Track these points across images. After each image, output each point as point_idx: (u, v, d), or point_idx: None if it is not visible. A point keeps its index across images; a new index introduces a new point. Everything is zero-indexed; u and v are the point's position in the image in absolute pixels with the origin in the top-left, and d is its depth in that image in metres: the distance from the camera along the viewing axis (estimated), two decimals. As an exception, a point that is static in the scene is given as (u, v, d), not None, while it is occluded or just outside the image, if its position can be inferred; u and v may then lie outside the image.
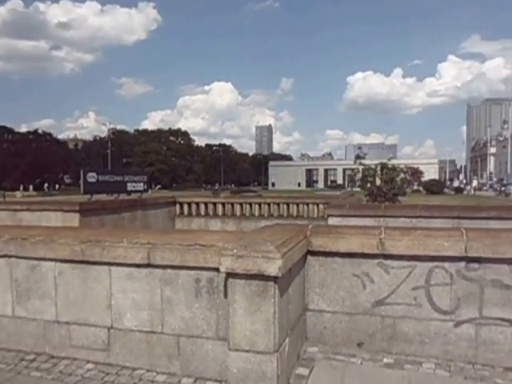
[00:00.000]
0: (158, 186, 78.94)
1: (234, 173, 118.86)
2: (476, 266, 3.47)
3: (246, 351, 2.88)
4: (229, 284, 2.97)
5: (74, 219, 9.15)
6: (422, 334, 3.58)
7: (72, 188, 65.31)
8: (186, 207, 13.86)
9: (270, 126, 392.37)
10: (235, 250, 2.85)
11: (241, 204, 13.94)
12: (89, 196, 12.04)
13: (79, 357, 3.69)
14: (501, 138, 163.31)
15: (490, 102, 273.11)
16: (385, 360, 3.57)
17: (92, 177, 12.11)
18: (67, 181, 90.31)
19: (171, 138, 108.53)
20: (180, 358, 3.44)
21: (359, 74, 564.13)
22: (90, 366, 3.60)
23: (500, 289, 3.43)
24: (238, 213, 13.69)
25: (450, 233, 3.56)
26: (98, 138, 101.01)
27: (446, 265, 3.51)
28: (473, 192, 63.74)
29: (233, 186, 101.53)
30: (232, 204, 13.94)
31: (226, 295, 3.09)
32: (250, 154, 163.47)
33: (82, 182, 12.07)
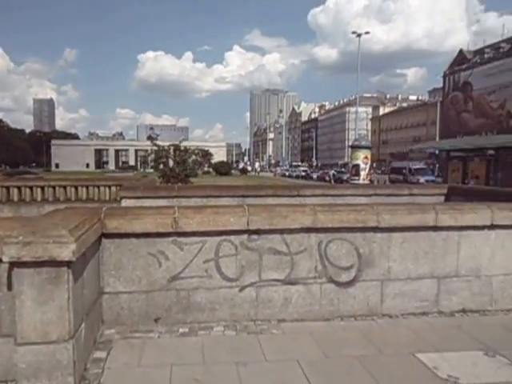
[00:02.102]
0: None
1: (8, 152, 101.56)
2: (256, 237, 4.03)
3: (38, 343, 2.66)
4: (14, 274, 2.67)
5: None
6: (213, 301, 3.98)
7: None
8: None
9: (51, 99, 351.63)
10: (21, 237, 2.58)
11: (19, 187, 12.23)
12: None
13: None
14: (277, 125, 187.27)
15: (269, 92, 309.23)
16: (181, 330, 3.84)
17: None
18: None
19: None
20: None
21: (150, 53, 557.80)
22: None
23: (274, 255, 4.08)
24: (16, 198, 12.01)
25: (235, 209, 4.03)
26: None
27: (232, 238, 3.96)
28: (257, 173, 71.74)
29: (7, 167, 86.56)
30: (8, 188, 12.11)
31: (10, 287, 2.77)
32: (28, 130, 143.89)
33: None
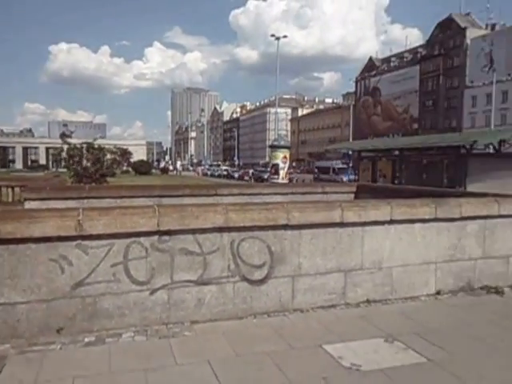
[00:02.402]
0: None
1: None
2: (167, 238, 3.93)
3: None
4: None
5: None
6: (122, 306, 3.81)
7: None
8: None
9: None
10: None
11: None
12: None
13: None
14: (199, 124, 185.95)
15: (191, 91, 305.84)
16: (86, 339, 3.62)
17: None
18: None
19: None
20: None
21: (63, 45, 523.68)
22: None
23: (186, 255, 4.01)
24: None
25: (144, 210, 3.90)
26: None
27: (142, 239, 3.83)
28: (178, 173, 70.48)
29: None
30: None
31: None
32: None
33: None
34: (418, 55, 71.84)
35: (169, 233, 3.91)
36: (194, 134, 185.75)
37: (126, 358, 3.32)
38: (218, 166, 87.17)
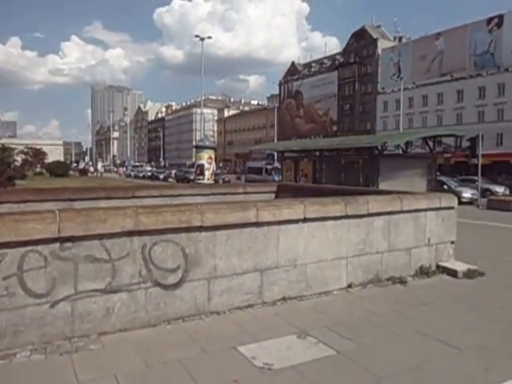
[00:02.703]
0: None
1: None
2: (70, 245, 3.65)
3: None
4: None
5: None
6: (17, 323, 3.46)
7: None
8: None
9: None
10: None
11: None
12: None
13: None
14: (122, 124, 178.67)
15: (113, 89, 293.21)
16: (-28, 363, 3.24)
17: None
18: None
19: None
20: None
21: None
22: None
23: (92, 263, 3.76)
24: None
25: (43, 215, 3.58)
26: None
27: (40, 248, 3.52)
28: (99, 174, 67.04)
29: None
30: None
31: None
32: None
33: None
34: (336, 62, 75.48)
35: (72, 239, 3.64)
36: (116, 134, 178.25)
37: (18, 383, 3.00)
38: (141, 166, 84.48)
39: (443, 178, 22.12)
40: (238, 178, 38.91)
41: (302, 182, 18.80)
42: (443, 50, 57.20)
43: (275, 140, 58.72)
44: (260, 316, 4.34)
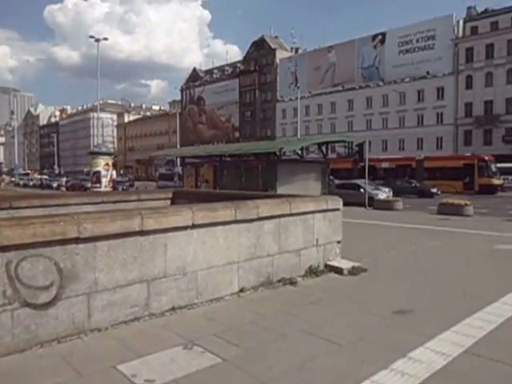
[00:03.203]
0: None
1: None
2: None
3: None
4: None
5: None
6: None
7: None
8: None
9: None
10: None
11: None
12: None
13: None
14: (9, 128, 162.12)
15: None
16: None
17: None
18: None
19: None
20: None
21: None
22: None
23: None
24: None
25: None
26: None
27: None
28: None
29: None
30: None
31: None
32: None
33: None
34: (237, 69, 77.01)
35: None
36: (2, 140, 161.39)
37: None
38: (27, 174, 77.25)
39: (359, 182, 22.55)
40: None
41: (203, 187, 18.71)
42: (335, 62, 61.68)
43: (178, 146, 57.93)
44: (146, 329, 4.12)
